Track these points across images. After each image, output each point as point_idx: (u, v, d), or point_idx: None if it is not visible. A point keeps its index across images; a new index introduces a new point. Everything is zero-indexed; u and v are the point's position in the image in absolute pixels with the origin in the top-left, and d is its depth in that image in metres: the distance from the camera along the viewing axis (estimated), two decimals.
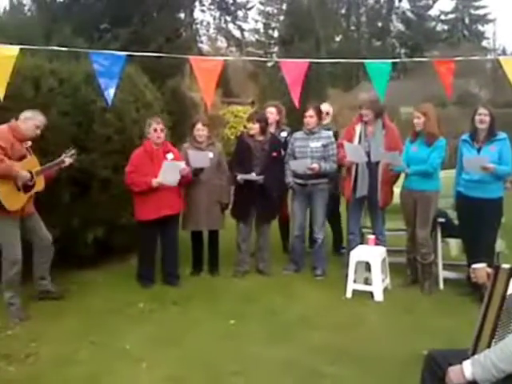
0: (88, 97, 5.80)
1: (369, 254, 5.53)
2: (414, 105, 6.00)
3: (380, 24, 41.86)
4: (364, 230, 6.24)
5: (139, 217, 5.62)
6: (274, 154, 5.95)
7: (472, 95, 20.89)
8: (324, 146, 5.89)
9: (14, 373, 3.88)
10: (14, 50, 4.76)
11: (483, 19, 42.26)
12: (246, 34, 34.49)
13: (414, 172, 5.43)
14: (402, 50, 41.31)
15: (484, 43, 40.66)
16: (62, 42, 5.89)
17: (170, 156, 5.63)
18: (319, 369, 3.95)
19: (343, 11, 42.06)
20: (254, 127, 5.89)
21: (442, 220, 5.63)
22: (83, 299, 5.34)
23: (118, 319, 4.86)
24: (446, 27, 43.00)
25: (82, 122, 5.75)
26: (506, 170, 5.12)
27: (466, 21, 42.51)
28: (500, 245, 5.56)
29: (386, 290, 5.53)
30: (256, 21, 36.59)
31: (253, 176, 5.79)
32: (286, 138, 6.43)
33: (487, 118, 5.14)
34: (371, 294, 5.39)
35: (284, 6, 26.54)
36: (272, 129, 6.32)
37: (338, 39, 39.55)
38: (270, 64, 22.15)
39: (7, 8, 11.38)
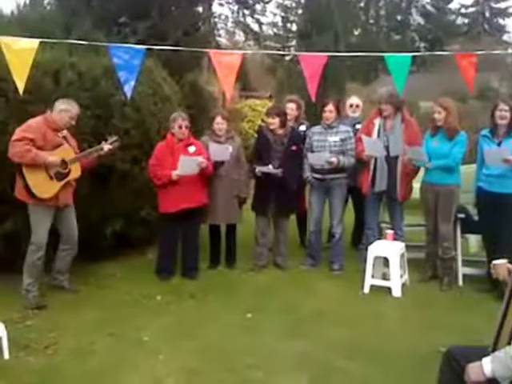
0: (107, 90, 5.82)
1: (387, 249, 5.49)
2: (433, 99, 5.92)
3: (399, 17, 41.50)
4: (382, 225, 6.20)
5: (161, 209, 5.66)
6: (294, 147, 5.93)
7: (492, 89, 20.64)
8: (342, 140, 5.85)
9: (33, 363, 3.93)
10: (34, 42, 4.79)
11: (504, 13, 41.73)
12: (264, 28, 34.35)
13: (436, 167, 5.38)
14: (422, 44, 40.93)
15: (505, 37, 40.16)
16: (82, 36, 5.90)
17: (191, 149, 5.64)
18: (336, 363, 3.94)
19: (362, 4, 41.75)
20: (274, 122, 5.87)
21: (461, 216, 5.57)
22: (101, 291, 5.38)
23: (135, 311, 4.90)
24: (466, 21, 42.53)
25: (101, 116, 5.77)
26: None
27: (487, 14, 42.02)
28: None
29: (404, 285, 5.49)
30: (274, 14, 36.48)
31: (270, 169, 5.77)
32: (304, 131, 6.41)
33: (508, 114, 5.08)
34: (389, 289, 5.36)
35: (302, 0, 26.40)
36: (291, 123, 6.30)
37: (356, 33, 39.27)
38: (288, 58, 22.09)
39: (27, 1, 11.45)
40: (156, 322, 4.65)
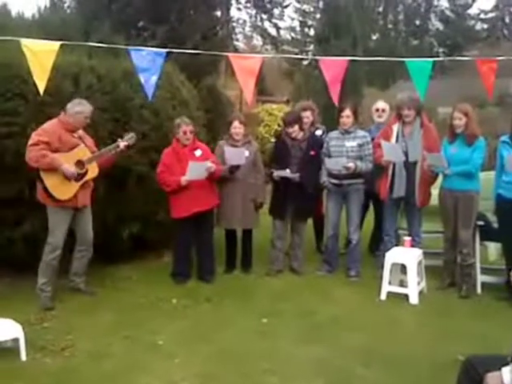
0: (126, 94, 5.87)
1: (405, 255, 5.45)
2: (451, 105, 5.87)
3: (418, 22, 41.26)
4: (400, 232, 6.15)
5: (174, 215, 5.66)
6: (312, 152, 5.91)
7: (511, 96, 20.44)
8: (360, 145, 5.82)
9: (50, 365, 3.96)
10: (54, 45, 4.85)
11: None
12: (282, 32, 34.39)
13: (455, 173, 5.32)
14: (440, 49, 40.62)
15: None
16: (101, 40, 5.96)
17: (197, 153, 5.66)
18: (352, 370, 3.92)
19: (380, 9, 41.58)
20: (295, 130, 5.86)
21: (480, 223, 5.51)
22: (117, 293, 5.41)
23: (151, 314, 4.91)
24: (485, 26, 42.16)
25: (120, 119, 5.81)
26: None
27: (506, 20, 41.62)
28: None
29: (421, 293, 5.44)
30: (292, 19, 36.46)
31: (287, 173, 5.75)
32: (320, 136, 6.39)
33: None
34: (406, 296, 5.31)
35: (320, 4, 26.41)
36: (306, 128, 6.30)
37: (374, 38, 39.13)
38: (305, 62, 22.08)
39: (48, 5, 11.61)
40: (172, 326, 4.65)
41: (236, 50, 21.77)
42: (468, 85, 15.80)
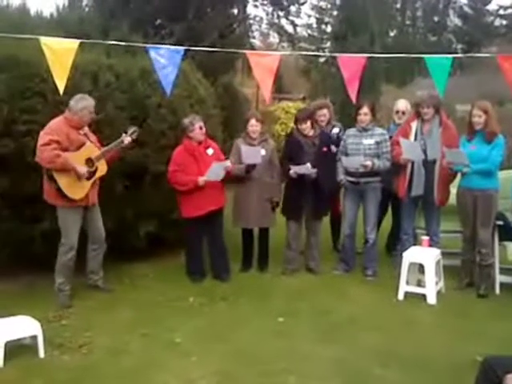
0: (143, 92, 5.89)
1: (423, 255, 5.41)
2: (469, 102, 5.80)
3: (436, 19, 40.88)
4: (417, 231, 6.10)
5: (186, 214, 5.64)
6: (325, 148, 5.88)
7: None
8: (377, 143, 5.77)
9: (68, 362, 3.99)
10: (73, 43, 4.88)
11: None
12: (299, 30, 34.24)
13: (475, 171, 5.26)
14: (459, 46, 40.19)
15: None
16: (119, 38, 5.98)
17: (209, 151, 5.66)
18: (369, 370, 3.90)
19: (398, 6, 41.26)
20: (307, 126, 5.83)
21: (499, 223, 5.44)
22: (135, 291, 5.44)
23: (168, 312, 4.93)
24: (504, 22, 41.61)
25: (138, 117, 5.82)
26: None
27: None
28: None
29: (439, 292, 5.39)
30: (309, 16, 36.28)
31: (307, 167, 5.65)
32: (338, 134, 6.35)
33: None
34: (424, 296, 5.27)
35: (338, 1, 26.23)
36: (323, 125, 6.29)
37: (392, 34, 38.83)
38: (322, 59, 21.97)
39: (66, 4, 11.69)
40: (188, 324, 4.67)
41: (252, 48, 21.73)
42: (486, 82, 15.61)
